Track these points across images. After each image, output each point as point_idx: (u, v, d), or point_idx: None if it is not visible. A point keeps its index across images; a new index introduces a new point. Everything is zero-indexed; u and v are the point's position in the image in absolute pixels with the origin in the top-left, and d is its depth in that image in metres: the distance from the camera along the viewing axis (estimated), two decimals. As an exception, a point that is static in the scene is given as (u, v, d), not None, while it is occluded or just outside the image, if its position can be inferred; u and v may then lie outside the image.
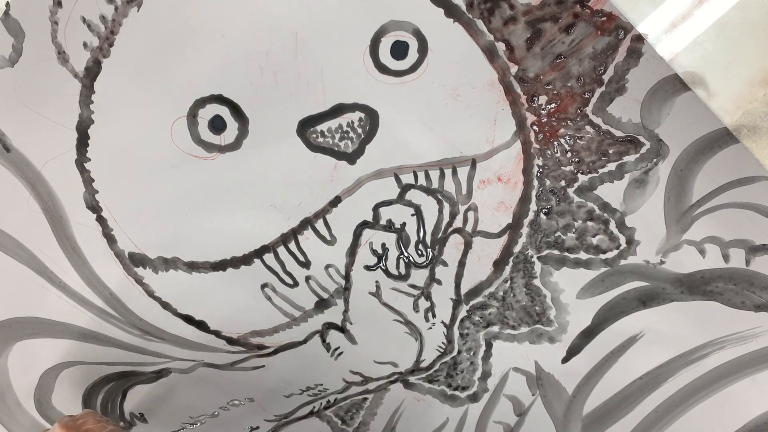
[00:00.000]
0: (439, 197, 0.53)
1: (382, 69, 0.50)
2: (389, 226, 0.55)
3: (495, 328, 0.57)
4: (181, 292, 0.58)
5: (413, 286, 0.56)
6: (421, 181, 0.53)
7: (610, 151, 0.51)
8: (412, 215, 0.54)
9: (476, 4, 0.48)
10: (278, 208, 0.55)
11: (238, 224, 0.55)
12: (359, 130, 0.52)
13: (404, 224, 0.55)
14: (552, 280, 0.54)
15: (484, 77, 0.50)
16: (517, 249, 0.54)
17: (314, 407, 0.62)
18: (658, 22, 0.47)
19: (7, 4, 0.50)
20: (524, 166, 0.52)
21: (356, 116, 0.52)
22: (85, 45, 0.51)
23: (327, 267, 0.56)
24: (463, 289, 0.56)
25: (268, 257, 0.56)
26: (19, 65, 0.52)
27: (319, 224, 0.55)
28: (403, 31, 0.49)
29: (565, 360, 0.57)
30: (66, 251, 0.57)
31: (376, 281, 0.56)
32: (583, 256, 0.53)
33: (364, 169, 0.53)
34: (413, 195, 0.54)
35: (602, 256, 0.53)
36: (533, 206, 0.53)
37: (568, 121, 0.50)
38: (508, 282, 0.55)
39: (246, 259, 0.56)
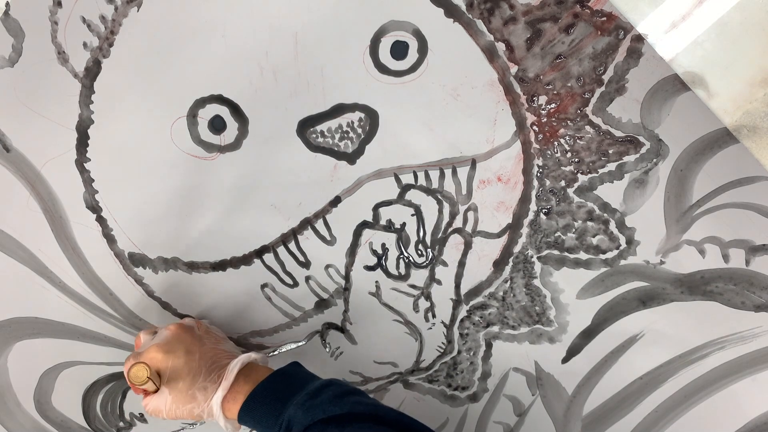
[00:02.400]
0: (439, 197, 0.53)
1: (382, 69, 0.50)
2: (389, 226, 0.55)
3: (495, 328, 0.57)
4: (181, 292, 0.58)
5: (413, 286, 0.56)
6: (421, 181, 0.53)
7: (610, 151, 0.51)
8: (412, 215, 0.54)
9: (476, 4, 0.48)
10: (278, 208, 0.55)
11: (238, 224, 0.55)
12: (359, 130, 0.52)
13: (404, 224, 0.55)
14: (552, 280, 0.54)
15: (484, 77, 0.50)
16: (517, 249, 0.54)
17: (314, 407, 0.62)
18: (658, 22, 0.47)
19: (7, 4, 0.50)
20: (524, 166, 0.52)
21: (356, 116, 0.52)
22: (85, 45, 0.51)
23: (327, 267, 0.56)
24: (463, 289, 0.56)
25: (268, 257, 0.56)
26: (19, 65, 0.52)
27: (319, 224, 0.55)
28: (403, 31, 0.49)
29: (565, 360, 0.57)
30: (66, 251, 0.57)
31: (376, 281, 0.56)
32: (583, 256, 0.53)
33: (364, 169, 0.53)
34: (413, 195, 0.54)
35: (602, 256, 0.53)
36: (533, 206, 0.53)
37: (568, 121, 0.50)
38: (508, 282, 0.55)
39: (246, 259, 0.56)
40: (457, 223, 0.54)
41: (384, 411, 0.44)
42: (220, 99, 0.52)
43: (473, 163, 0.52)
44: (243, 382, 0.48)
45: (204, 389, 0.48)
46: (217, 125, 0.52)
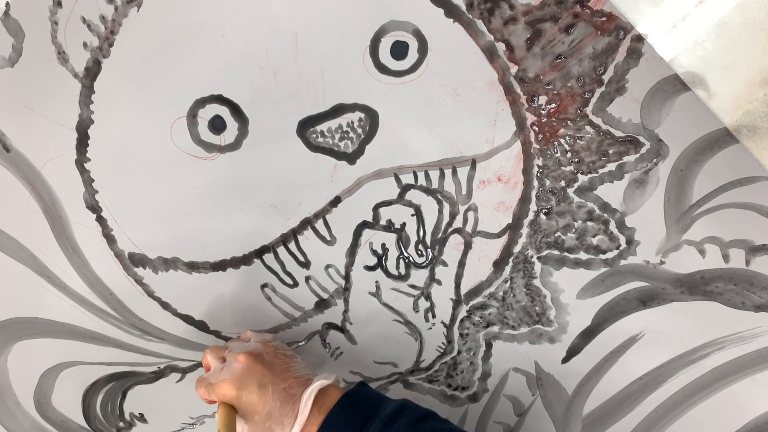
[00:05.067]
0: (439, 197, 0.53)
1: (382, 69, 0.50)
2: (389, 227, 0.55)
3: (495, 329, 0.57)
4: (181, 292, 0.58)
5: (413, 287, 0.56)
6: (421, 181, 0.53)
7: (610, 152, 0.51)
8: (412, 215, 0.54)
9: (476, 5, 0.48)
10: (278, 208, 0.55)
11: (238, 224, 0.55)
12: (359, 130, 0.52)
13: (404, 224, 0.55)
14: (552, 281, 0.54)
15: (484, 77, 0.50)
16: (517, 249, 0.54)
17: (314, 407, 0.62)
18: (658, 22, 0.47)
19: (7, 4, 0.50)
20: (524, 167, 0.52)
21: (356, 116, 0.52)
22: (85, 45, 0.51)
23: (327, 267, 0.56)
24: (463, 290, 0.56)
25: (268, 257, 0.56)
26: (19, 65, 0.52)
27: (319, 224, 0.55)
28: (403, 31, 0.49)
29: (565, 360, 0.57)
30: (66, 251, 0.57)
31: (376, 281, 0.56)
32: (583, 256, 0.53)
33: (364, 169, 0.53)
34: (413, 195, 0.54)
35: (602, 257, 0.53)
36: (533, 206, 0.53)
37: (568, 122, 0.50)
38: (508, 282, 0.55)
39: (246, 259, 0.56)
40: (457, 223, 0.54)
41: None
42: (220, 99, 0.52)
43: (473, 163, 0.52)
44: (317, 411, 0.47)
45: (281, 424, 0.47)
46: (217, 125, 0.52)
